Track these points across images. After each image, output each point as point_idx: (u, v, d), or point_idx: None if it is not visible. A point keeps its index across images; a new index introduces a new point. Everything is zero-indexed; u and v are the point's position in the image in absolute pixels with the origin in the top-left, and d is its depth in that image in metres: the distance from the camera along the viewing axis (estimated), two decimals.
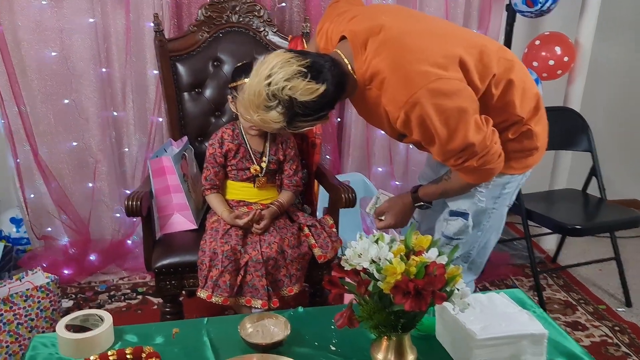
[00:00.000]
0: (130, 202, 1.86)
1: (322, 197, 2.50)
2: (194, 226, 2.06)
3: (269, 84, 1.35)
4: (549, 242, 3.20)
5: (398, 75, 1.38)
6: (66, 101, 2.50)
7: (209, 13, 2.27)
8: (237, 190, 2.04)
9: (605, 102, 3.41)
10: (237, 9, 2.29)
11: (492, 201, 1.63)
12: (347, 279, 1.16)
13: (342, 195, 1.98)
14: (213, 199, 2.01)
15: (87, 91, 2.53)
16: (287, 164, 2.06)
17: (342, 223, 2.09)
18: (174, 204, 2.04)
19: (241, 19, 2.30)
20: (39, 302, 2.09)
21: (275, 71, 1.35)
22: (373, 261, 1.15)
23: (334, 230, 2.04)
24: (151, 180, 1.99)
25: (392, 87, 1.39)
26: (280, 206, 2.00)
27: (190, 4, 2.48)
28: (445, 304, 1.14)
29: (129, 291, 2.61)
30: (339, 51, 1.49)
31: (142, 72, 2.55)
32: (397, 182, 2.95)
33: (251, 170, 2.00)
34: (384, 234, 1.22)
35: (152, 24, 2.21)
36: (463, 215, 1.65)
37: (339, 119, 2.83)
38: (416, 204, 1.71)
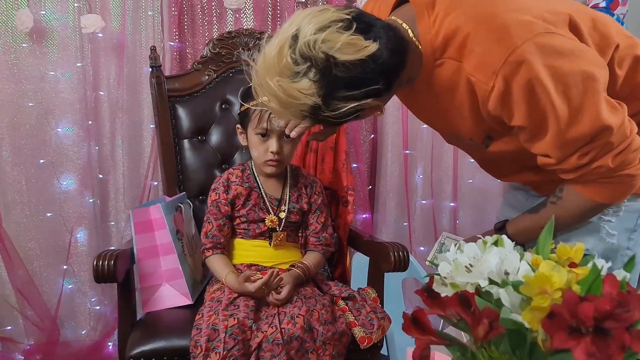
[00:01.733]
0: (100, 263, 1.35)
1: (357, 270, 1.97)
2: (188, 301, 1.52)
3: (296, 38, 0.92)
4: None
5: (489, 27, 0.95)
6: (42, 161, 2.07)
7: (217, 49, 1.91)
8: (247, 251, 1.53)
9: None
10: (250, 44, 1.94)
11: (626, 236, 1.11)
12: (447, 311, 0.62)
13: (391, 255, 1.46)
14: (215, 262, 1.50)
15: (67, 148, 2.11)
16: (313, 216, 1.57)
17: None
18: (163, 271, 1.52)
19: (254, 57, 1.93)
20: None
21: (304, 23, 0.93)
22: (492, 281, 0.62)
23: (379, 304, 1.50)
24: (133, 238, 1.49)
25: (481, 45, 0.95)
26: (305, 270, 1.47)
27: (196, 41, 2.13)
28: None
29: None
30: (394, 17, 1.07)
31: (138, 126, 2.14)
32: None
33: (266, 222, 1.51)
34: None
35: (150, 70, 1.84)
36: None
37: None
38: None
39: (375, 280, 1.56)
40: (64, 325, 2.19)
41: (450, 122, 1.09)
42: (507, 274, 0.61)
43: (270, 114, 1.43)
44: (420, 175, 2.35)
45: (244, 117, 1.49)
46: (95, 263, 1.36)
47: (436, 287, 0.65)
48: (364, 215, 2.26)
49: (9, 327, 2.16)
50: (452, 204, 2.36)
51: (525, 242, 1.17)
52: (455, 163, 2.32)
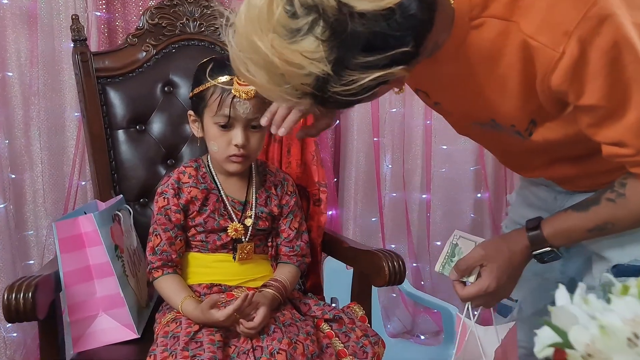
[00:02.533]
0: (13, 297, 1.02)
1: (328, 277, 1.72)
2: (134, 335, 1.21)
3: None
4: None
5: None
6: None
7: (155, 20, 1.58)
8: (206, 267, 1.24)
9: None
10: (195, 14, 1.62)
11: None
12: None
13: (385, 267, 1.21)
14: (167, 284, 1.19)
15: None
16: (285, 221, 1.29)
17: None
18: (99, 298, 1.20)
19: (202, 29, 1.62)
20: None
21: None
22: None
23: (368, 325, 1.25)
24: (58, 258, 1.16)
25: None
26: (281, 289, 1.20)
27: (127, 11, 1.78)
28: None
29: None
30: None
31: (59, 114, 1.77)
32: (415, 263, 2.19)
33: (229, 232, 1.22)
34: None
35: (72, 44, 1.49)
36: None
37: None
38: (536, 251, 0.95)
39: (363, 295, 1.32)
40: None
41: (484, 103, 0.84)
42: None
43: (233, 97, 1.13)
44: (389, 165, 2.12)
45: (199, 102, 1.19)
46: (5, 297, 1.03)
47: None
48: (330, 212, 2.01)
49: None
50: (424, 196, 2.14)
51: (564, 245, 0.95)
52: (427, 150, 2.10)
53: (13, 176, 1.78)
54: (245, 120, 1.15)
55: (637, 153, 0.77)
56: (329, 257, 1.69)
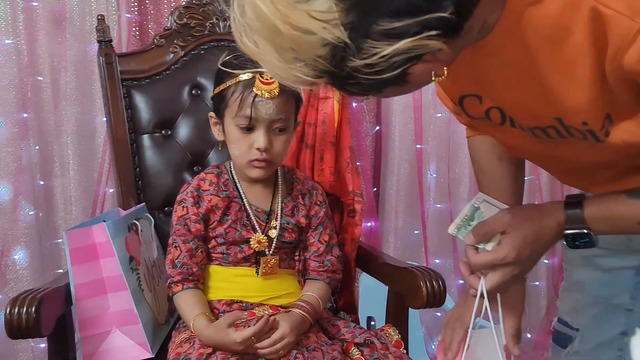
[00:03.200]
0: (14, 310, 0.95)
1: (363, 294, 1.59)
2: (148, 354, 1.12)
3: None
4: None
5: None
6: None
7: (184, 20, 1.51)
8: (226, 282, 1.14)
9: None
10: (226, 14, 1.54)
11: None
12: None
13: (423, 287, 1.07)
14: (184, 300, 1.10)
15: None
16: (313, 233, 1.18)
17: None
18: (112, 313, 1.12)
19: (232, 29, 1.54)
20: None
21: None
22: None
23: (404, 351, 1.11)
24: (69, 270, 1.09)
25: None
26: (309, 310, 1.08)
27: (159, 12, 1.72)
28: None
29: None
30: None
31: (89, 119, 1.73)
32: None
33: (252, 244, 1.11)
34: None
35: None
36: None
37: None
38: (568, 231, 0.79)
39: (398, 316, 1.19)
40: None
41: (549, 98, 0.69)
42: None
43: (255, 97, 1.04)
44: (434, 175, 1.98)
45: (219, 102, 1.10)
46: (8, 311, 0.95)
47: None
48: (369, 224, 1.88)
49: None
50: None
51: (606, 233, 0.80)
52: None
53: (43, 183, 1.74)
54: (268, 121, 1.05)
55: None
56: (364, 272, 1.58)
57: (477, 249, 0.83)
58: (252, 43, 0.57)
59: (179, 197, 1.16)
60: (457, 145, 1.96)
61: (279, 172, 1.19)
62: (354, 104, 1.82)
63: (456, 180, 1.99)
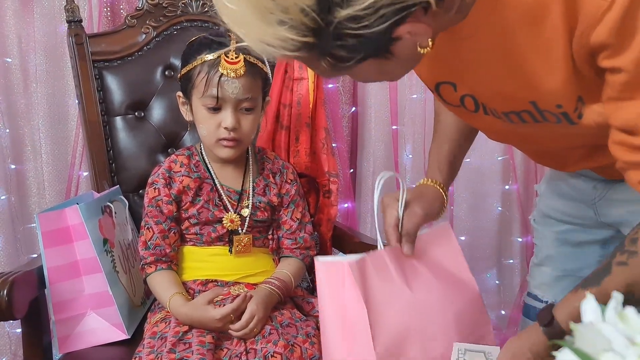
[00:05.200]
0: None
1: None
2: (124, 335, 1.13)
3: None
4: None
5: None
6: None
7: (156, 0, 1.49)
8: (200, 262, 1.14)
9: None
10: None
11: None
12: None
13: None
14: (158, 281, 1.11)
15: None
16: (285, 211, 1.19)
17: None
18: (87, 296, 1.12)
19: (205, 9, 1.52)
20: None
21: None
22: None
23: None
24: (42, 253, 1.08)
25: None
26: (281, 287, 1.09)
27: None
28: None
29: None
30: None
31: (61, 101, 1.70)
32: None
33: (224, 223, 1.12)
34: None
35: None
36: None
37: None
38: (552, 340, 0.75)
39: None
40: None
41: (525, 80, 0.69)
42: None
43: (221, 76, 1.03)
44: (410, 155, 1.99)
45: (186, 83, 1.10)
46: None
47: None
48: (346, 205, 1.89)
49: None
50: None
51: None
52: None
53: (14, 167, 1.71)
54: (235, 101, 1.05)
55: None
56: (341, 253, 1.59)
57: None
58: (235, 5, 0.55)
59: (150, 179, 1.16)
60: (432, 126, 1.97)
61: (250, 152, 1.19)
62: (330, 85, 1.81)
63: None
